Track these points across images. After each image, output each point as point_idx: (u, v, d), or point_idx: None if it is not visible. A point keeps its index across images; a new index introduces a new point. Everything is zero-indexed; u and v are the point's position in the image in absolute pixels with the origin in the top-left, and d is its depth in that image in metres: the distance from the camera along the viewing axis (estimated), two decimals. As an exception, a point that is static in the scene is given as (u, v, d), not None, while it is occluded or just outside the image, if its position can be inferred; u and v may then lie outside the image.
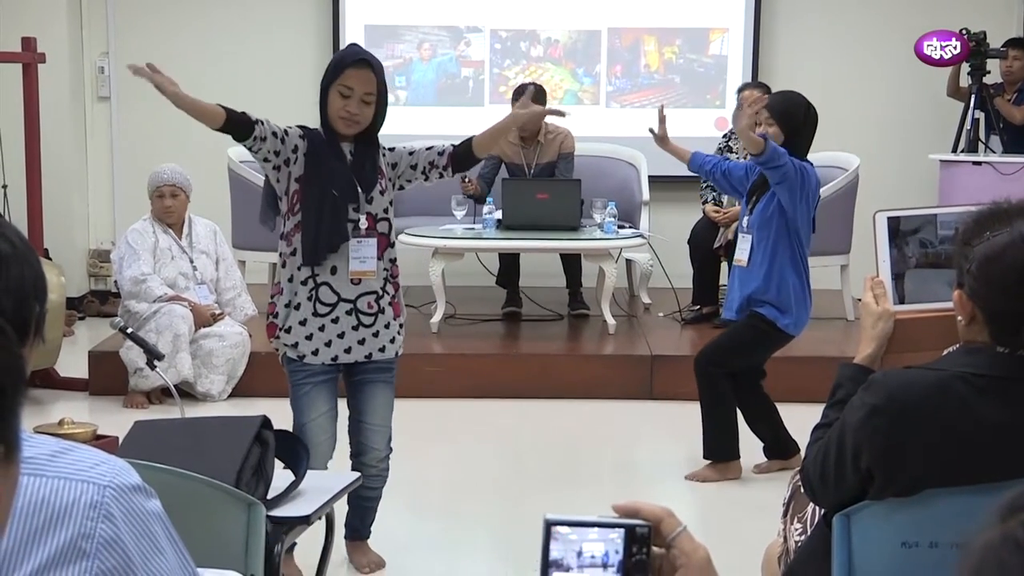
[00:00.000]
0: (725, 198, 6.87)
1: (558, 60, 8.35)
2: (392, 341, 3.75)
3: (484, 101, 8.32)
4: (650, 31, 8.31)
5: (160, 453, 2.62)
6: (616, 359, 6.36)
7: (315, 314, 3.66)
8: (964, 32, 7.41)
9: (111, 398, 6.02)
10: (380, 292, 3.70)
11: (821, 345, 6.40)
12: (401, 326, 3.79)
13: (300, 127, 3.66)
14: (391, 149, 3.73)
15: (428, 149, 3.72)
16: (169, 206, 6.07)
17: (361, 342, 3.69)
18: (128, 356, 5.90)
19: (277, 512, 2.89)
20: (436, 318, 6.68)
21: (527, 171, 7.07)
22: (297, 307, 3.67)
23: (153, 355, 4.18)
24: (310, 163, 3.61)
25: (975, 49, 7.41)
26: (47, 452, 1.44)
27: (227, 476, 2.68)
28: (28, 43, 6.41)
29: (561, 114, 4.00)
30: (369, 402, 3.77)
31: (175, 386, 4.41)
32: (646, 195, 7.52)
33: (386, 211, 3.70)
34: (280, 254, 3.72)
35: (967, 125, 7.40)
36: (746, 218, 4.84)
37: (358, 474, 3.38)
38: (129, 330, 4.35)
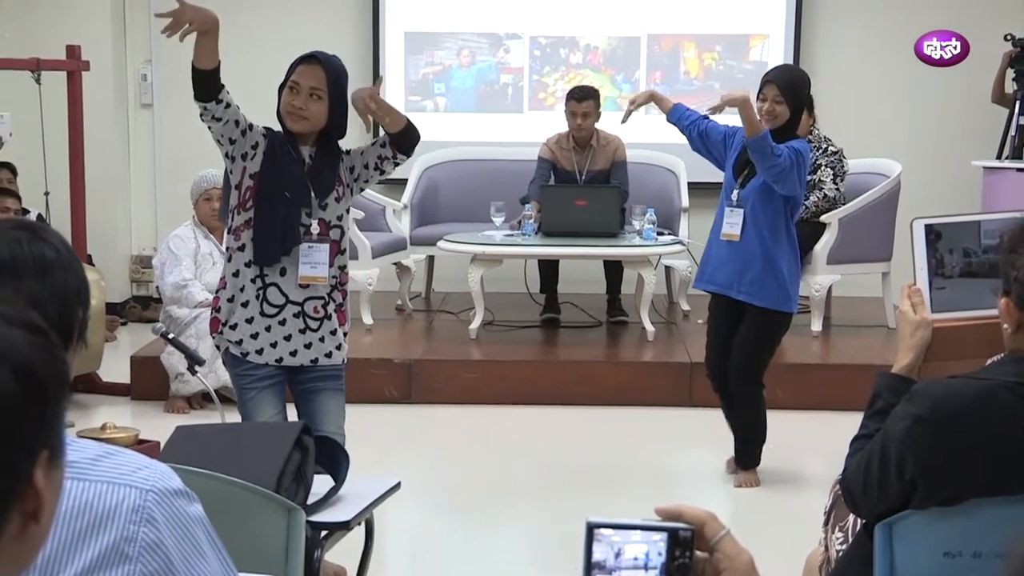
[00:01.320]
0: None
1: (597, 67, 8.34)
2: (338, 348, 3.72)
3: (523, 108, 8.32)
4: (690, 37, 8.29)
5: (201, 458, 2.63)
6: (655, 366, 6.34)
7: (262, 314, 3.64)
8: (1009, 37, 7.35)
9: (152, 403, 6.06)
10: (327, 298, 3.67)
11: (861, 353, 6.35)
12: (345, 335, 3.76)
13: (266, 128, 3.64)
14: (347, 153, 3.70)
15: (372, 145, 3.68)
16: (217, 209, 6.11)
17: (307, 346, 3.67)
18: (169, 361, 5.94)
19: (317, 517, 2.90)
20: (475, 324, 6.68)
21: (579, 177, 7.02)
22: (244, 304, 3.64)
23: (194, 360, 4.20)
24: (267, 162, 3.59)
25: (1019, 55, 7.35)
26: (90, 456, 1.46)
27: (267, 481, 2.69)
28: (72, 51, 6.48)
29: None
30: (321, 409, 3.72)
31: (216, 391, 4.43)
32: (685, 202, 7.50)
33: (340, 218, 3.67)
34: (227, 248, 3.70)
35: (1012, 131, 7.33)
36: (735, 191, 4.67)
37: (398, 480, 3.38)
38: (170, 335, 4.37)
